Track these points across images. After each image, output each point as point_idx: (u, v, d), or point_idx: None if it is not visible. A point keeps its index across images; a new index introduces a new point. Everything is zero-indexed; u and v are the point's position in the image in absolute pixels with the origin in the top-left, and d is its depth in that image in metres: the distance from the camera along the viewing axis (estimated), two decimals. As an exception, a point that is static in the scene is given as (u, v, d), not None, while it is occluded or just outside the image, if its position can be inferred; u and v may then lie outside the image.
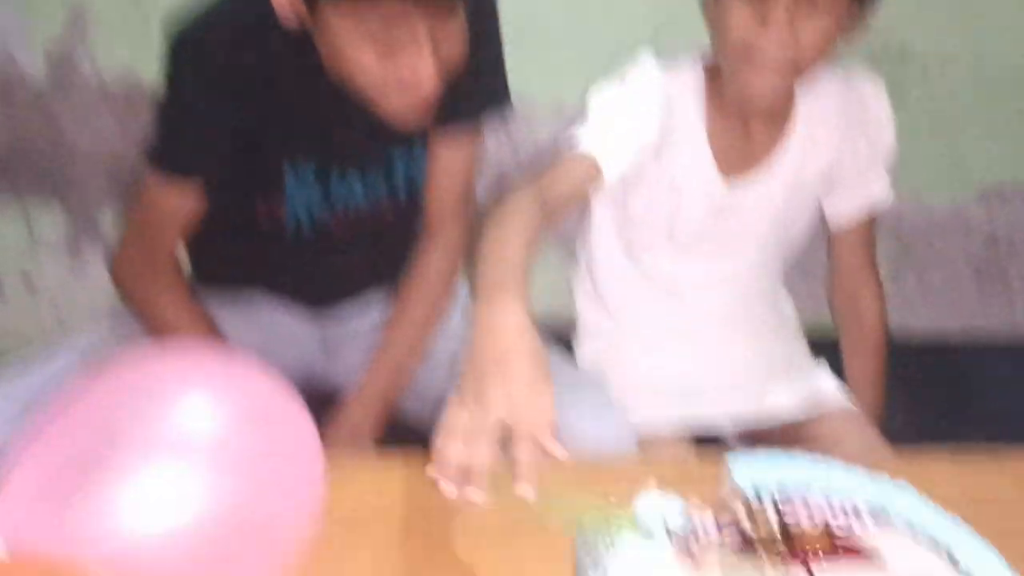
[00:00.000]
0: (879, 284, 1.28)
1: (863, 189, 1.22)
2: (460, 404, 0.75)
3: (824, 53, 1.06)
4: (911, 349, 1.56)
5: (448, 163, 1.18)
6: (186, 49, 1.05)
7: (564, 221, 1.08)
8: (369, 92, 0.99)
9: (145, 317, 1.13)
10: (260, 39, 1.03)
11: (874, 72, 1.41)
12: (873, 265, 1.28)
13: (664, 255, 1.23)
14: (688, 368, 1.25)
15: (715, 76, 1.13)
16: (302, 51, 1.02)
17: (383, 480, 0.90)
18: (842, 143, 1.19)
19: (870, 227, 1.26)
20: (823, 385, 1.25)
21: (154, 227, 1.11)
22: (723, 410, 1.23)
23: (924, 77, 1.44)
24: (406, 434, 1.25)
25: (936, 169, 1.50)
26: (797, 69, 1.05)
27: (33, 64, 1.44)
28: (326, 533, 0.79)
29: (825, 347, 1.45)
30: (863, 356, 1.28)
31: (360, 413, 1.19)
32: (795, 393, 1.23)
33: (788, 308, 1.34)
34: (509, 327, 0.78)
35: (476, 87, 1.14)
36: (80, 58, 1.43)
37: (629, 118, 1.11)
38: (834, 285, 1.31)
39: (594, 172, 1.08)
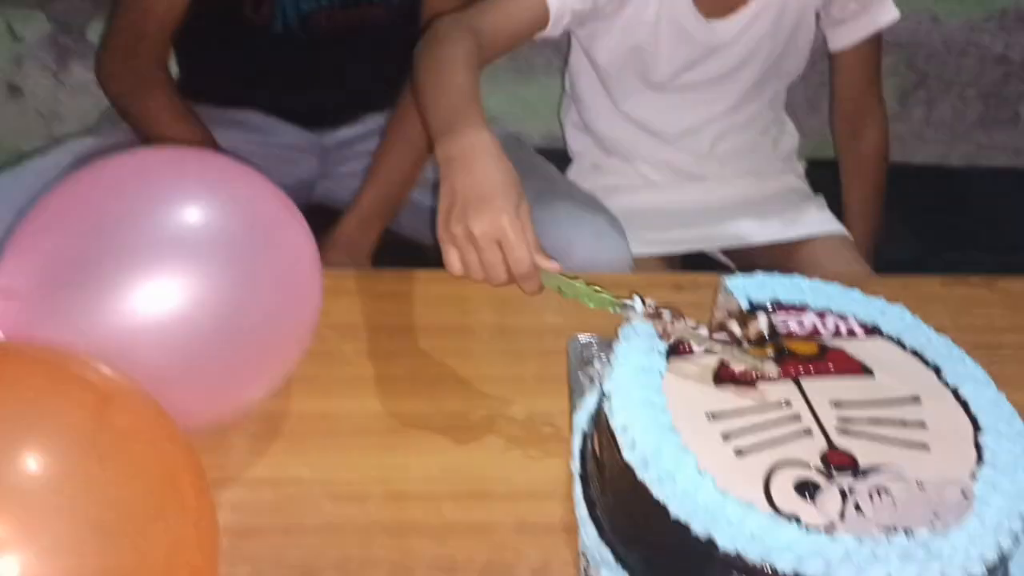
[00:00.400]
0: (883, 110, 1.26)
1: (864, 14, 1.18)
2: (450, 241, 0.76)
3: None
4: (913, 172, 1.56)
5: None
6: None
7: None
8: None
9: (134, 119, 1.11)
10: None
11: None
12: (877, 89, 1.25)
13: (646, 101, 1.20)
14: (676, 203, 1.24)
15: None
16: None
17: (380, 293, 0.91)
18: None
19: (874, 50, 1.22)
20: (814, 215, 1.24)
21: (139, 25, 1.08)
22: (712, 242, 1.23)
23: None
24: (401, 247, 1.26)
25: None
26: None
27: None
28: (322, 339, 0.80)
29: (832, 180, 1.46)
30: (861, 180, 1.27)
31: (356, 228, 1.19)
32: (785, 223, 1.23)
33: (790, 142, 1.32)
34: (481, 157, 0.78)
35: None
36: None
37: None
38: (835, 110, 1.28)
39: (540, 13, 1.02)
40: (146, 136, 1.10)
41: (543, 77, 1.51)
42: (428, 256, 1.26)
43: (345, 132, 1.28)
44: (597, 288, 0.77)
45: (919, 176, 1.55)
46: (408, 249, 1.28)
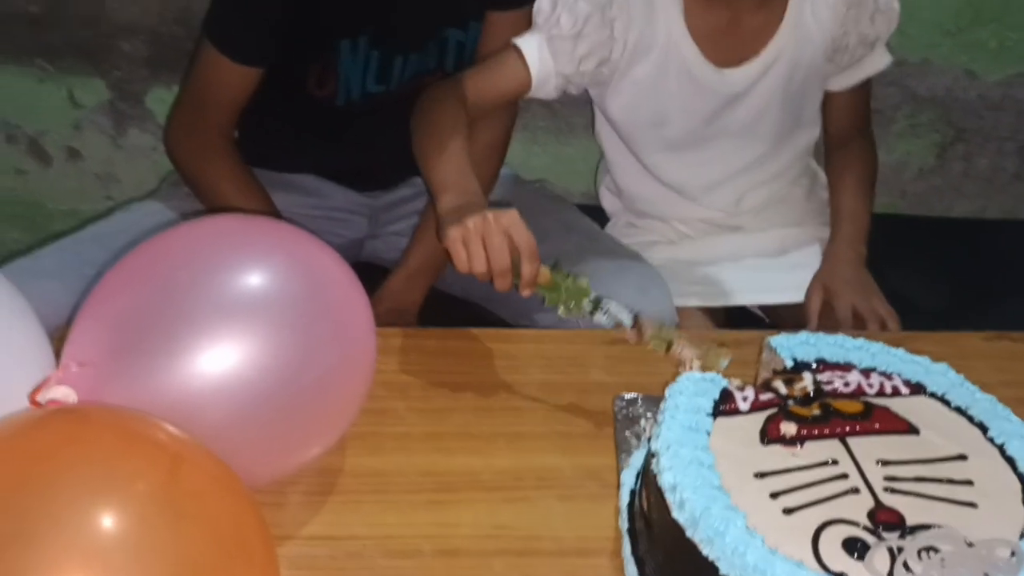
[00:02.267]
0: (871, 138, 1.31)
1: (862, 63, 1.21)
2: (458, 236, 0.86)
3: None
4: (952, 224, 1.56)
5: (500, 45, 1.18)
6: None
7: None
8: None
9: (200, 189, 1.16)
10: None
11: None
12: (867, 121, 1.30)
13: (668, 159, 1.23)
14: (712, 254, 1.26)
15: None
16: None
17: (430, 350, 0.93)
18: (842, 25, 1.16)
19: (867, 89, 1.26)
20: None
21: (211, 102, 1.13)
22: (745, 297, 1.25)
23: (986, -51, 1.39)
24: (448, 304, 1.29)
25: (991, 45, 1.46)
26: None
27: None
28: (375, 397, 0.83)
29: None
30: (849, 179, 1.27)
31: (403, 284, 1.22)
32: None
33: (823, 193, 1.33)
34: (479, 208, 0.88)
35: None
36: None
37: (563, 22, 1.09)
38: (827, 142, 1.30)
39: (522, 74, 1.10)
40: (209, 204, 1.14)
41: (583, 137, 1.54)
42: (475, 313, 1.29)
43: (395, 194, 1.32)
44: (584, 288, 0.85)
45: (957, 229, 1.56)
46: (455, 306, 1.30)
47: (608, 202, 1.36)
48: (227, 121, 1.14)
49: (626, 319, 0.83)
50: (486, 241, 0.85)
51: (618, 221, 1.35)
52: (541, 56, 1.10)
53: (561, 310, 0.86)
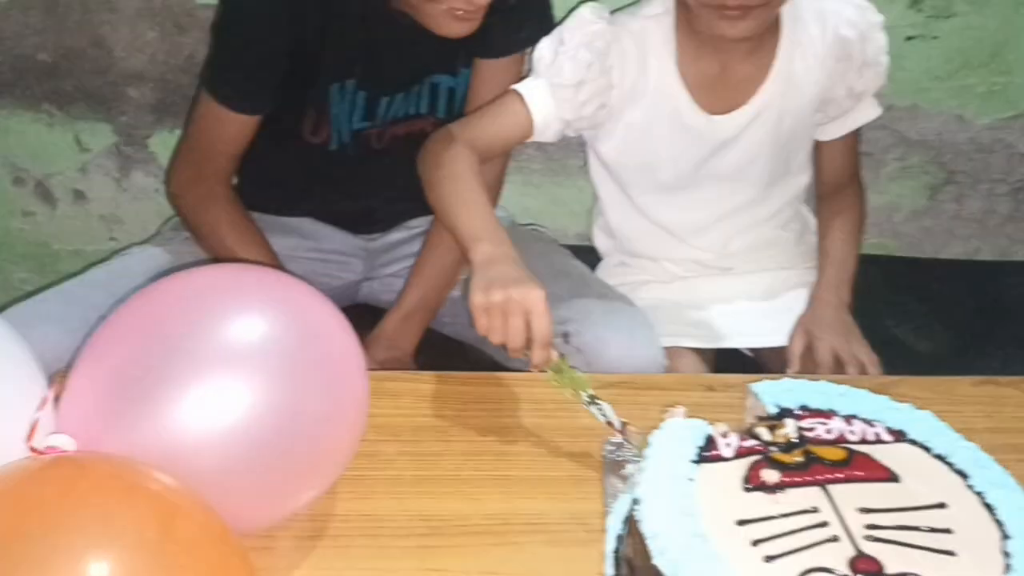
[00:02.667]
0: (861, 185, 1.32)
1: (851, 114, 1.24)
2: (483, 308, 0.89)
3: None
4: (944, 266, 1.58)
5: (491, 91, 1.21)
6: None
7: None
8: (412, 7, 1.02)
9: (202, 237, 1.18)
10: None
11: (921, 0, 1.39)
12: (856, 169, 1.31)
13: (659, 200, 1.25)
14: (702, 296, 1.28)
15: (690, 14, 1.13)
16: None
17: (422, 394, 0.95)
18: (830, 77, 1.18)
19: (855, 139, 1.28)
20: None
21: (211, 152, 1.15)
22: (732, 339, 1.26)
23: (971, 2, 1.41)
24: (442, 346, 1.31)
25: (980, 90, 1.49)
26: (764, 9, 1.06)
27: (77, -21, 1.46)
28: (367, 440, 0.84)
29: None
30: (838, 231, 1.28)
31: (399, 326, 1.23)
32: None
33: (813, 238, 1.35)
34: (508, 261, 0.92)
35: (525, 19, 1.18)
36: (124, -27, 1.45)
37: (565, 70, 1.12)
38: (818, 189, 1.31)
39: (525, 120, 1.13)
40: (211, 250, 1.17)
41: (577, 179, 1.57)
42: (468, 354, 1.30)
43: (390, 236, 1.34)
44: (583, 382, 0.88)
45: (950, 270, 1.57)
46: (449, 347, 1.32)
47: (601, 242, 1.38)
48: (227, 169, 1.17)
49: (616, 422, 0.86)
50: (506, 319, 0.87)
51: (610, 261, 1.36)
52: (543, 102, 1.13)
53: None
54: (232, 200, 1.18)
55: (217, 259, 1.16)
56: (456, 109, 1.23)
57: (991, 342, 1.39)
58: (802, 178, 1.28)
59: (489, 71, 1.21)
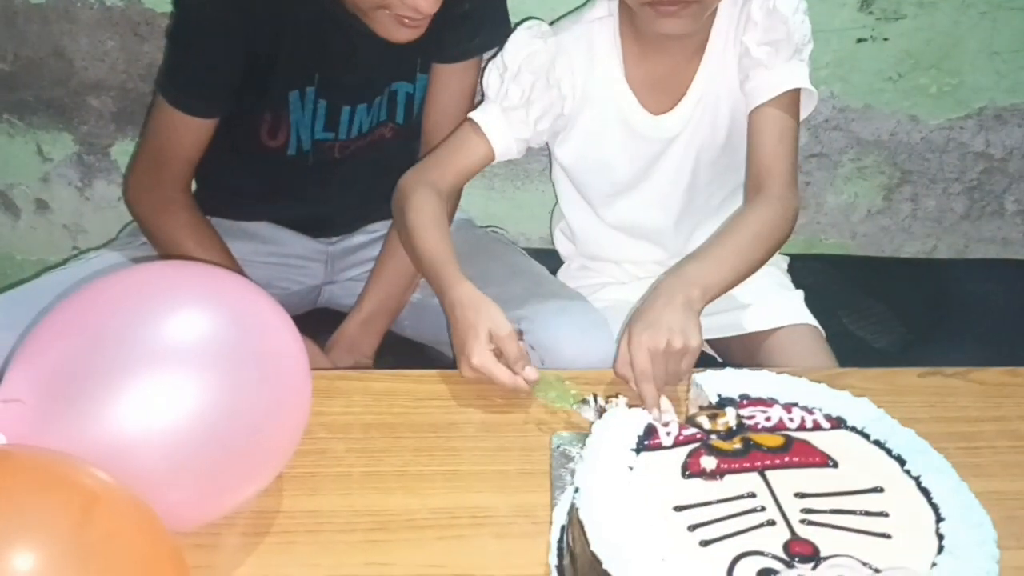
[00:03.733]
0: (786, 204, 1.13)
1: (764, 84, 1.14)
2: (462, 363, 0.96)
3: None
4: (901, 265, 1.60)
5: (448, 95, 1.23)
6: None
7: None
8: (362, 11, 1.03)
9: (158, 242, 1.18)
10: None
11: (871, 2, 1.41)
12: (786, 178, 1.13)
13: (616, 202, 1.27)
14: None
15: (633, 15, 1.14)
16: None
17: (373, 392, 0.95)
18: (737, 32, 1.15)
19: (781, 119, 1.14)
20: (787, 306, 1.26)
21: (168, 157, 1.15)
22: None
23: (921, 2, 1.43)
24: (403, 347, 1.31)
25: (932, 90, 1.51)
26: (699, 7, 1.06)
27: (36, -12, 1.46)
28: (315, 439, 0.85)
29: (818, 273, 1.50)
30: (731, 233, 1.09)
31: (359, 329, 1.24)
32: (759, 316, 1.25)
33: None
34: (458, 308, 0.99)
35: (480, 25, 1.20)
36: (83, -17, 1.45)
37: (512, 93, 1.14)
38: (744, 187, 1.19)
39: (485, 147, 1.16)
40: (168, 256, 1.16)
41: (539, 183, 1.58)
42: (429, 355, 1.31)
43: (351, 240, 1.35)
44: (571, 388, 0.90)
45: (907, 269, 1.59)
46: (410, 349, 1.33)
47: (562, 245, 1.39)
48: (185, 174, 1.17)
49: (607, 405, 0.88)
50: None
51: (571, 264, 1.38)
52: (498, 127, 1.16)
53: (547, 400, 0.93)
54: (190, 206, 1.18)
55: (170, 257, 1.15)
56: (415, 114, 1.24)
57: (948, 339, 1.40)
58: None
59: (446, 76, 1.22)
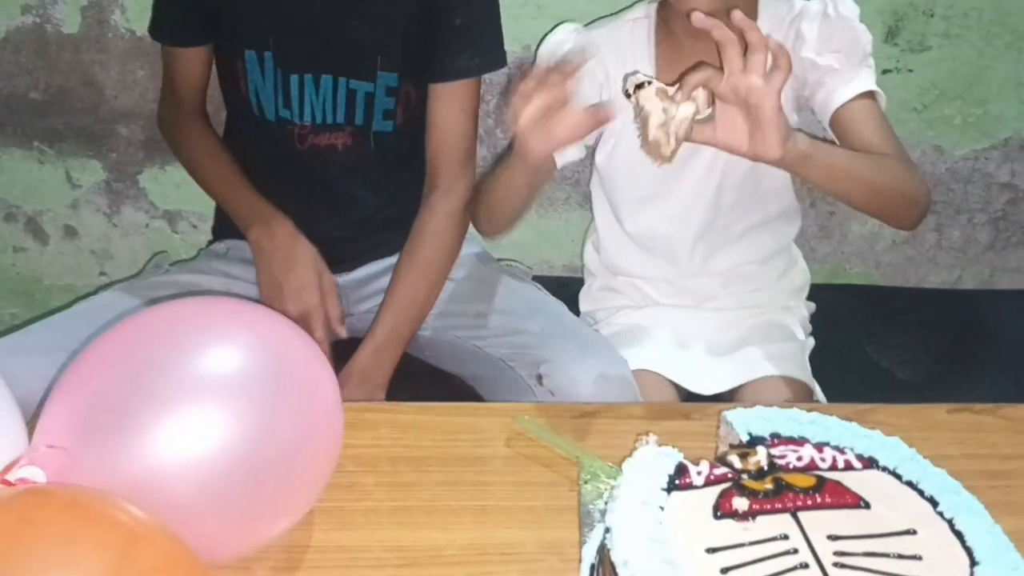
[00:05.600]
0: (902, 154, 1.12)
1: (841, 86, 1.13)
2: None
3: None
4: (926, 295, 1.59)
5: (446, 116, 1.24)
6: None
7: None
8: None
9: (183, 160, 1.36)
10: None
11: (899, 29, 1.42)
12: (889, 140, 1.11)
13: (638, 210, 1.28)
14: (676, 326, 1.29)
15: (669, 13, 1.16)
16: None
17: (401, 424, 0.95)
18: (796, 60, 1.12)
19: (869, 113, 1.13)
20: (775, 356, 1.25)
21: (173, 85, 1.33)
22: (696, 369, 1.26)
23: (947, 31, 1.44)
24: (423, 374, 1.31)
25: (957, 121, 1.51)
26: None
27: (67, 18, 1.48)
28: (345, 471, 0.85)
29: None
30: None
31: (371, 358, 1.24)
32: (768, 357, 1.24)
33: (799, 278, 1.35)
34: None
35: (474, 44, 1.22)
36: (113, 12, 1.48)
37: None
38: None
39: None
40: (189, 169, 1.36)
41: (564, 211, 1.59)
42: (452, 383, 1.31)
43: (362, 271, 1.35)
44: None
45: (932, 298, 1.58)
46: (433, 378, 1.33)
47: (589, 257, 1.40)
48: (192, 101, 1.34)
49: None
50: None
51: (592, 284, 1.38)
52: None
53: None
54: (202, 127, 1.34)
55: (196, 178, 1.36)
56: (374, 116, 1.26)
57: (973, 370, 1.40)
58: (775, 203, 1.29)
59: (444, 95, 1.24)
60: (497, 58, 1.24)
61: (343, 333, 1.27)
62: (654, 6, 1.20)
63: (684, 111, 0.92)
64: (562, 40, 1.18)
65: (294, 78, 1.22)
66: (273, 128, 1.26)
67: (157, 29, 1.33)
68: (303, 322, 1.23)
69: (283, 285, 1.23)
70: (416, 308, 1.26)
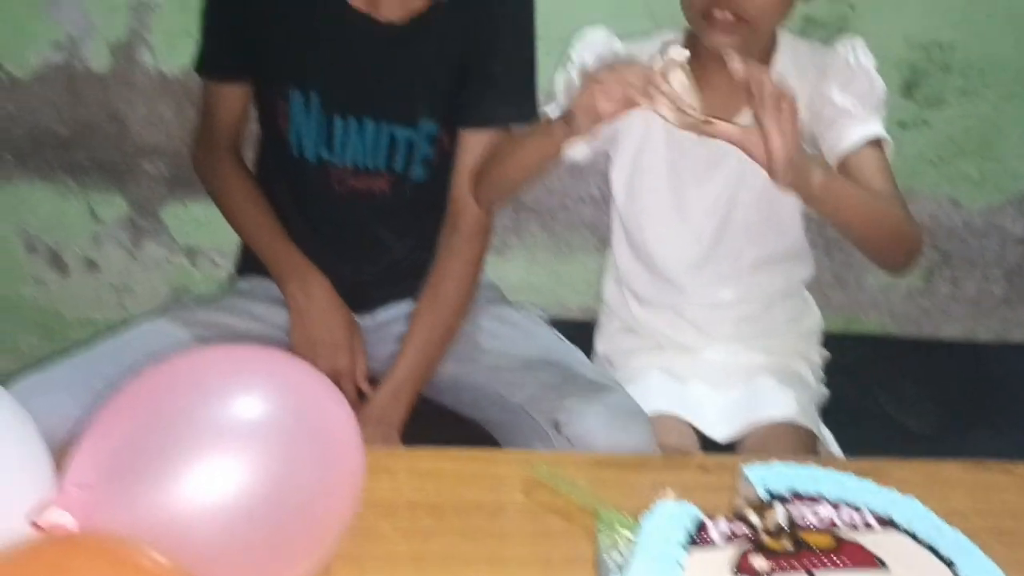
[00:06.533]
0: (901, 201, 1.18)
1: (853, 129, 1.18)
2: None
3: (776, 10, 1.13)
4: (940, 346, 1.59)
5: (474, 162, 1.26)
6: None
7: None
8: None
9: (217, 201, 1.37)
10: None
11: (916, 83, 1.44)
12: (890, 187, 1.18)
13: (650, 229, 1.29)
14: (683, 367, 1.30)
15: (694, 42, 1.19)
16: None
17: (419, 470, 0.96)
18: (814, 97, 1.20)
19: (876, 160, 1.19)
20: (783, 401, 1.25)
21: (210, 122, 1.33)
22: (709, 413, 1.26)
23: (965, 87, 1.45)
24: (440, 418, 1.32)
25: (973, 176, 1.52)
26: (753, 29, 1.12)
27: (97, 56, 1.51)
28: (362, 517, 0.85)
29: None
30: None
31: (388, 399, 1.25)
32: (778, 403, 1.25)
33: (810, 323, 1.36)
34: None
35: (508, 94, 1.24)
36: (142, 51, 1.50)
37: (577, 82, 1.20)
38: None
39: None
40: (220, 205, 1.36)
41: (580, 255, 1.61)
42: (469, 427, 1.31)
43: (384, 314, 1.36)
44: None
45: (946, 350, 1.59)
46: (451, 421, 1.33)
47: (608, 289, 1.41)
48: (228, 138, 1.34)
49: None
50: None
51: (610, 326, 1.39)
52: None
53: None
54: (238, 168, 1.34)
55: (229, 219, 1.36)
56: (414, 163, 1.28)
57: (986, 423, 1.40)
58: (793, 236, 1.30)
59: (472, 141, 1.26)
60: (530, 110, 1.26)
61: (367, 388, 1.28)
62: (681, 35, 1.24)
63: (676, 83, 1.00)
64: (596, 40, 1.23)
65: (337, 120, 1.24)
66: (311, 168, 1.27)
67: (204, 63, 1.32)
68: (332, 379, 1.21)
69: (317, 344, 1.25)
70: (434, 350, 1.27)
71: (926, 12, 1.38)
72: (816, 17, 1.39)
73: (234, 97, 1.31)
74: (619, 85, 1.00)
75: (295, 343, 1.27)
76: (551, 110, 1.24)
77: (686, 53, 1.00)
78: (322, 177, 1.27)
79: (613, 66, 1.04)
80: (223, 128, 1.33)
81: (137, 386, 0.75)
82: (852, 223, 1.12)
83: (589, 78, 1.05)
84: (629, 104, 1.01)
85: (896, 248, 1.17)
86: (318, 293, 1.26)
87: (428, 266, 1.30)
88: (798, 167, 1.00)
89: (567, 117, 1.07)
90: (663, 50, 1.00)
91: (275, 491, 0.72)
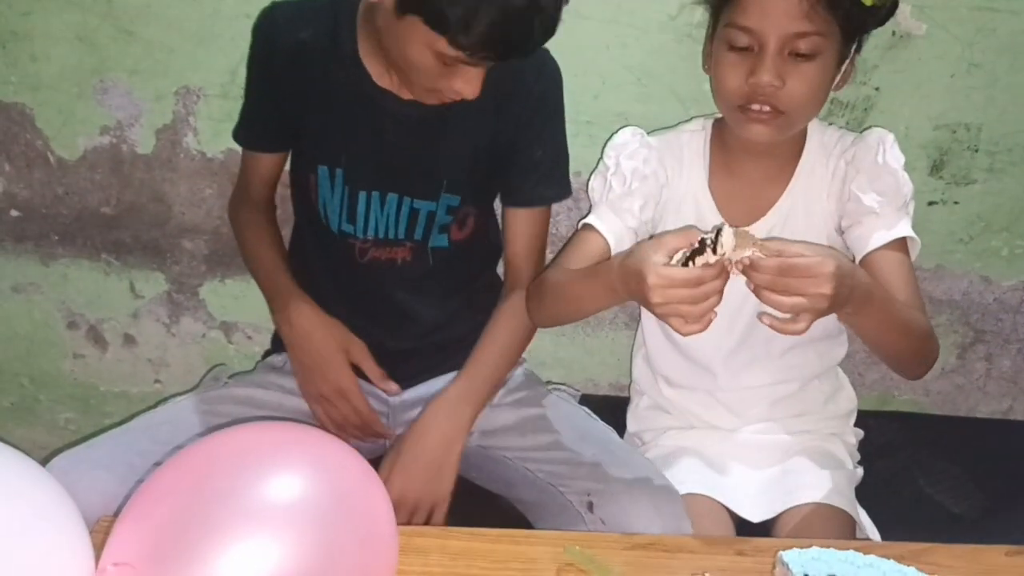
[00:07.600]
0: (921, 305, 1.21)
1: (879, 230, 1.20)
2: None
3: (813, 105, 1.15)
4: (977, 425, 1.57)
5: (522, 234, 1.32)
6: (259, 20, 1.29)
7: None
8: (407, 79, 1.14)
9: (238, 242, 1.45)
10: (320, 22, 1.22)
11: (944, 162, 1.45)
12: (912, 289, 1.21)
13: None
14: (717, 446, 1.29)
15: (724, 130, 1.22)
16: (354, 62, 1.20)
17: (453, 551, 0.95)
18: (843, 192, 1.22)
19: (898, 261, 1.21)
20: (819, 483, 1.23)
21: (246, 180, 1.42)
22: (743, 494, 1.25)
23: (992, 165, 1.46)
24: (474, 497, 1.31)
25: (1003, 252, 1.52)
26: (788, 120, 1.14)
27: (143, 140, 1.57)
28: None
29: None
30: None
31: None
32: (813, 485, 1.23)
33: (845, 404, 1.35)
34: None
35: (550, 176, 1.30)
36: (186, 134, 1.55)
37: (615, 186, 1.24)
38: None
39: (600, 241, 1.25)
40: (248, 258, 1.43)
41: (609, 329, 1.61)
42: (499, 505, 1.31)
43: (413, 393, 1.36)
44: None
45: (983, 429, 1.56)
46: (480, 498, 1.33)
47: (638, 368, 1.42)
48: (262, 196, 1.42)
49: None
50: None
51: (640, 403, 1.39)
52: (610, 221, 1.25)
53: None
54: (260, 213, 1.42)
55: (244, 258, 1.45)
56: (433, 231, 1.30)
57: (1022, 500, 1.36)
58: (827, 318, 1.29)
59: (520, 219, 1.33)
60: (566, 189, 1.35)
61: (393, 387, 1.33)
62: (711, 121, 1.28)
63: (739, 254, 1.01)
64: (626, 142, 1.26)
65: (361, 195, 1.27)
66: (336, 240, 1.30)
67: (242, 135, 1.40)
68: (342, 398, 1.26)
69: (305, 371, 1.28)
70: (504, 360, 1.31)
71: (950, 93, 1.40)
72: (842, 99, 1.41)
73: (267, 165, 1.39)
74: (700, 310, 1.01)
75: (295, 376, 1.31)
76: (591, 220, 1.27)
77: (734, 230, 1.00)
78: (346, 248, 1.30)
79: (671, 277, 1.01)
80: (255, 184, 1.41)
81: (176, 465, 0.76)
82: (882, 342, 1.15)
83: (666, 309, 1.03)
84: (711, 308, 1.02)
85: (919, 361, 1.21)
86: (296, 320, 1.29)
87: (458, 345, 1.32)
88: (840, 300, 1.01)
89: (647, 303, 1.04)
90: (714, 233, 1.00)
91: (311, 573, 0.73)
